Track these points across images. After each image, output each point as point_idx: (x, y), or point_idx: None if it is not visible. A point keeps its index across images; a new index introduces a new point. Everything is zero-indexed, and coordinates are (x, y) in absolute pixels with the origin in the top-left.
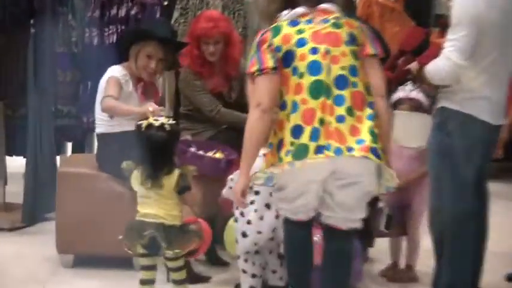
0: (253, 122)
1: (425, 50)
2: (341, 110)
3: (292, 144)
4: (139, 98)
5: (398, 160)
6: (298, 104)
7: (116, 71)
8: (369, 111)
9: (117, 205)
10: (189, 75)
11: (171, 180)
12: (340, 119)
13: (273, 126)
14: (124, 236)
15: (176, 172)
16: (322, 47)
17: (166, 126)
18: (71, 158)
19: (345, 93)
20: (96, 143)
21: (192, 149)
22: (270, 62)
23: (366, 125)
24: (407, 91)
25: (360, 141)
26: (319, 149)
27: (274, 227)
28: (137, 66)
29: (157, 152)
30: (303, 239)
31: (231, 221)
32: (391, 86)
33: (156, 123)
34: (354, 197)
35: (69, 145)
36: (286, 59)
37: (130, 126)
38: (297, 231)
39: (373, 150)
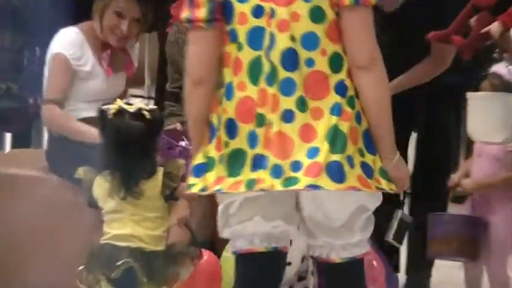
0: (187, 98)
1: (508, 5)
2: (289, 103)
3: (227, 145)
4: (105, 72)
5: (475, 158)
6: (234, 89)
7: (66, 42)
8: (334, 98)
9: (74, 221)
10: (181, 36)
11: (154, 184)
12: (288, 117)
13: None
14: (85, 267)
15: (160, 171)
16: (268, 6)
17: (145, 112)
18: (10, 155)
19: (295, 76)
20: (46, 135)
21: (183, 143)
22: (202, 11)
23: (325, 123)
24: (499, 65)
25: (312, 152)
26: (257, 162)
27: (304, 255)
28: (103, 27)
29: (133, 149)
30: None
31: (225, 251)
32: (463, 56)
33: (131, 109)
34: (339, 213)
35: (8, 137)
36: (225, 11)
37: (93, 112)
38: (249, 272)
39: (331, 168)
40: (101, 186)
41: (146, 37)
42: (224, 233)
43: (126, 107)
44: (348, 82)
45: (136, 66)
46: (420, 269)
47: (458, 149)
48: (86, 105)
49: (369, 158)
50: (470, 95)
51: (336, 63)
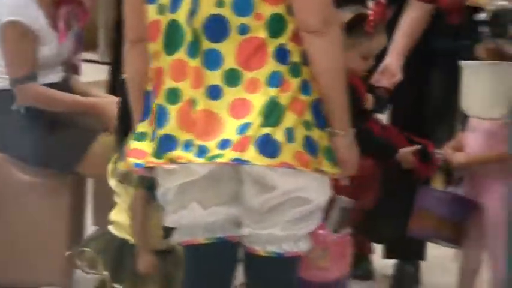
0: (125, 60)
1: None
2: (215, 77)
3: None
4: (59, 37)
5: (469, 133)
6: (151, 58)
7: (17, 5)
8: (273, 66)
9: (20, 203)
10: None
11: None
12: (214, 93)
13: None
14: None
15: None
16: None
17: None
18: None
19: (222, 47)
20: None
21: None
22: None
23: (262, 96)
24: None
25: (242, 128)
26: (167, 143)
27: None
28: None
29: None
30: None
31: None
32: (450, 20)
33: None
34: (272, 200)
35: None
36: None
37: (53, 76)
38: (195, 266)
39: (260, 141)
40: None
41: None
42: (166, 222)
43: None
44: (290, 46)
45: (88, 26)
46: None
47: (454, 121)
48: (46, 70)
49: (315, 133)
50: (463, 64)
51: (275, 26)
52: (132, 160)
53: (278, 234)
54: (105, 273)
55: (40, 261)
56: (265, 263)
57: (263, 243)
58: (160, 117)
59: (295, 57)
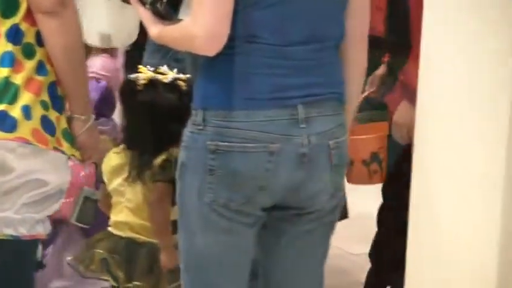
0: None
1: None
2: None
3: None
4: None
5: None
6: None
7: None
8: (5, 46)
9: None
10: None
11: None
12: None
13: None
14: (76, 257)
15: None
16: None
17: (181, 83)
18: None
19: None
20: None
21: None
22: None
23: None
24: None
25: None
26: None
27: None
28: None
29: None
30: None
31: None
32: None
33: (166, 79)
34: (9, 182)
35: None
36: None
37: None
38: None
39: None
40: (112, 160)
41: None
42: None
43: (159, 77)
44: (23, 26)
45: None
46: None
47: None
48: None
49: (52, 114)
50: None
51: (6, 6)
52: None
53: (14, 217)
54: (120, 274)
55: None
56: (2, 245)
57: (0, 226)
58: None
59: (28, 38)
